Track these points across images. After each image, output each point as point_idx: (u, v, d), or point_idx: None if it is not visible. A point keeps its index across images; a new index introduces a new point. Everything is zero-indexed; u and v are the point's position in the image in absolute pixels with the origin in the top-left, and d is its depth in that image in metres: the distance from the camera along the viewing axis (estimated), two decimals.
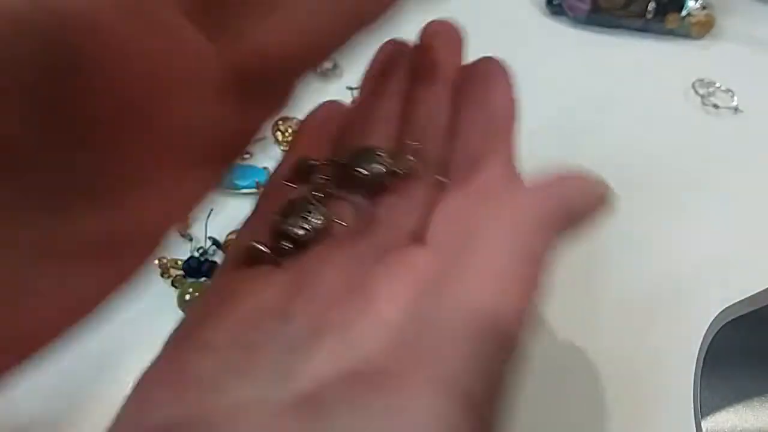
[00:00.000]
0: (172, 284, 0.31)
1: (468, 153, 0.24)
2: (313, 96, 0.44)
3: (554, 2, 0.48)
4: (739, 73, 0.44)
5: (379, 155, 0.23)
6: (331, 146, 0.25)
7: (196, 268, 0.32)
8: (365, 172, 0.23)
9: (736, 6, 0.49)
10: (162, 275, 0.32)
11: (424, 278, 0.19)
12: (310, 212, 0.22)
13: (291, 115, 0.39)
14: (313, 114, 0.27)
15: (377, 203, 0.23)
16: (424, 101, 0.26)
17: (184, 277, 0.32)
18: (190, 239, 0.33)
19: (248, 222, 0.24)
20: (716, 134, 0.41)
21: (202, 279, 0.32)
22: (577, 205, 0.18)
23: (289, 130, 0.37)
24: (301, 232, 0.22)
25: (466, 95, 0.26)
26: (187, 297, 0.30)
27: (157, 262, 0.32)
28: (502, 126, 0.24)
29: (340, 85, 0.42)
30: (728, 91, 0.43)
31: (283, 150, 0.37)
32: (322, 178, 0.23)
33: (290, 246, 0.21)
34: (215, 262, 0.32)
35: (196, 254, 0.33)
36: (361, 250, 0.21)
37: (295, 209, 0.22)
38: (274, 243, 0.22)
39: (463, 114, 0.25)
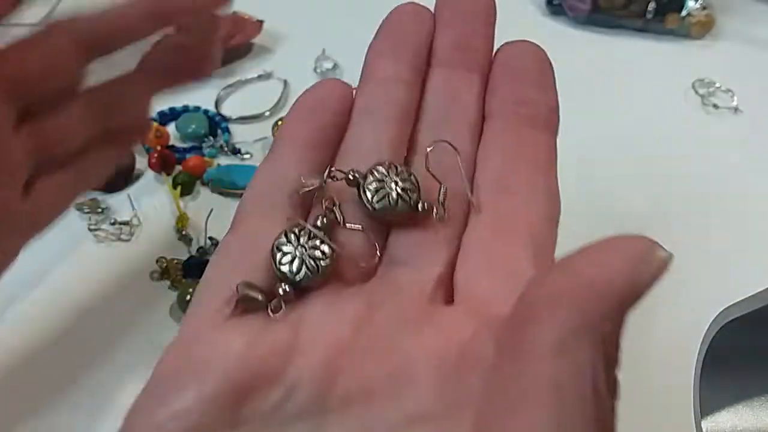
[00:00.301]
0: (172, 284, 0.31)
1: (500, 169, 0.20)
2: None
3: (554, 2, 0.48)
4: (739, 73, 0.44)
5: (397, 182, 0.19)
6: (329, 144, 0.21)
7: (196, 268, 0.32)
8: (379, 207, 0.19)
9: (736, 6, 0.49)
10: (162, 275, 0.32)
11: (463, 356, 0.16)
12: (313, 247, 0.18)
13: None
14: (304, 99, 0.21)
15: (393, 235, 0.19)
16: (445, 89, 0.21)
17: (183, 277, 0.32)
18: (190, 239, 0.33)
19: (230, 254, 0.19)
20: (716, 134, 0.41)
21: None
22: (644, 277, 0.14)
23: None
24: (303, 272, 0.17)
25: (497, 90, 0.21)
26: (188, 297, 0.30)
27: (157, 262, 0.32)
28: (541, 137, 0.20)
29: None
30: (728, 91, 0.43)
31: None
32: (327, 203, 0.19)
33: (289, 290, 0.17)
34: None
35: (196, 254, 0.33)
36: (377, 297, 0.18)
37: (293, 242, 0.18)
38: (269, 286, 0.17)
39: (493, 115, 0.21)
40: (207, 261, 0.32)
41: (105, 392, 0.28)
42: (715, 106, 0.42)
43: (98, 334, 0.30)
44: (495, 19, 0.22)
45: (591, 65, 0.44)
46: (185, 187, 0.35)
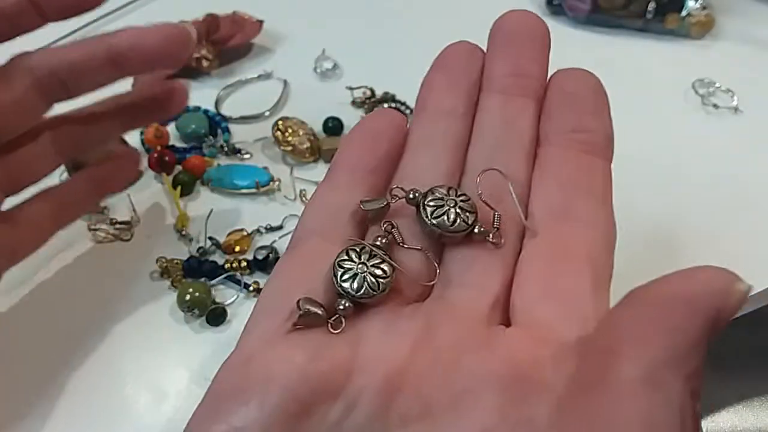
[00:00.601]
0: (172, 284, 0.31)
1: (557, 195, 0.20)
2: (312, 96, 0.44)
3: (554, 2, 0.48)
4: (739, 73, 0.44)
5: (456, 203, 0.19)
6: (385, 170, 0.21)
7: (196, 268, 0.32)
8: (437, 223, 0.19)
9: (736, 6, 0.49)
10: (162, 275, 0.32)
11: (526, 379, 0.15)
12: (374, 265, 0.18)
13: (291, 114, 0.39)
14: (361, 127, 0.22)
15: (448, 255, 0.19)
16: (500, 114, 0.21)
17: (183, 277, 0.32)
18: (190, 239, 0.33)
19: (289, 271, 0.19)
20: (716, 134, 0.41)
21: (202, 279, 0.32)
22: (727, 310, 0.14)
23: (289, 130, 0.37)
24: (364, 289, 0.18)
25: (553, 116, 0.21)
26: (187, 297, 0.30)
27: (157, 262, 0.32)
28: (598, 164, 0.20)
29: (340, 84, 0.42)
30: (728, 91, 0.43)
31: (283, 150, 0.37)
32: (386, 225, 0.19)
33: (349, 305, 0.18)
34: (215, 262, 0.32)
35: (196, 254, 0.33)
36: (435, 317, 0.18)
37: (354, 260, 0.18)
38: (329, 303, 0.18)
39: (549, 142, 0.21)
40: (207, 261, 0.32)
41: (105, 393, 0.28)
42: (715, 106, 0.42)
43: (98, 334, 0.30)
44: (550, 45, 0.22)
45: (591, 65, 0.44)
46: (185, 187, 0.35)
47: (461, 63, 0.22)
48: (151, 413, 0.27)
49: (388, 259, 0.18)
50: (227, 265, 0.32)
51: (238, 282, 0.32)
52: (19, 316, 0.30)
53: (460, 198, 0.19)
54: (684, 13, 0.46)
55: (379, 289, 0.18)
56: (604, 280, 0.18)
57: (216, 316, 0.30)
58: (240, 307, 0.31)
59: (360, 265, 0.18)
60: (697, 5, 0.46)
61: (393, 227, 0.19)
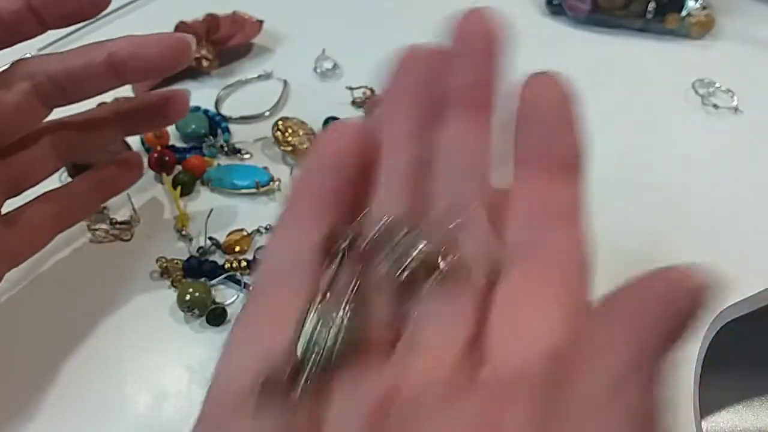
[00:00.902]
0: (172, 284, 0.31)
1: (527, 222, 0.18)
2: (312, 96, 0.44)
3: (554, 2, 0.48)
4: (739, 73, 0.44)
5: (416, 247, 0.18)
6: (347, 200, 0.19)
7: (196, 268, 0.32)
8: (400, 269, 0.18)
9: (736, 6, 0.49)
10: (162, 275, 0.32)
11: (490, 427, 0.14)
12: (337, 323, 0.17)
13: (291, 114, 0.39)
14: (321, 151, 0.20)
15: (416, 297, 0.18)
16: (461, 135, 0.20)
17: (183, 277, 0.32)
18: (190, 239, 0.33)
19: (251, 327, 0.18)
20: (716, 134, 0.41)
21: (202, 279, 0.32)
22: (688, 315, 0.14)
23: (289, 130, 0.37)
24: (326, 355, 0.16)
25: (519, 134, 0.19)
26: (187, 297, 0.30)
27: (157, 262, 0.32)
28: (569, 183, 0.19)
29: (340, 84, 0.42)
30: (728, 91, 0.43)
31: (283, 150, 0.37)
32: (347, 275, 0.18)
33: (313, 372, 0.16)
34: (215, 262, 0.32)
35: (196, 254, 0.33)
36: (401, 366, 0.17)
37: (313, 321, 0.17)
38: (294, 363, 0.16)
39: (517, 162, 0.19)
40: (207, 261, 0.32)
41: (104, 393, 0.28)
42: (715, 106, 0.42)
43: (98, 334, 0.30)
44: (505, 49, 0.21)
45: (591, 65, 0.44)
46: (185, 187, 0.35)
47: (417, 75, 0.21)
48: (151, 413, 0.27)
49: (352, 314, 0.17)
50: (227, 265, 0.32)
51: (238, 282, 0.32)
52: (18, 316, 0.30)
53: (423, 236, 0.18)
54: (684, 13, 0.46)
55: (343, 349, 0.17)
56: (581, 308, 0.17)
57: (216, 316, 0.30)
58: (240, 307, 0.31)
59: (321, 327, 0.17)
60: (697, 5, 0.46)
61: (355, 275, 0.18)
